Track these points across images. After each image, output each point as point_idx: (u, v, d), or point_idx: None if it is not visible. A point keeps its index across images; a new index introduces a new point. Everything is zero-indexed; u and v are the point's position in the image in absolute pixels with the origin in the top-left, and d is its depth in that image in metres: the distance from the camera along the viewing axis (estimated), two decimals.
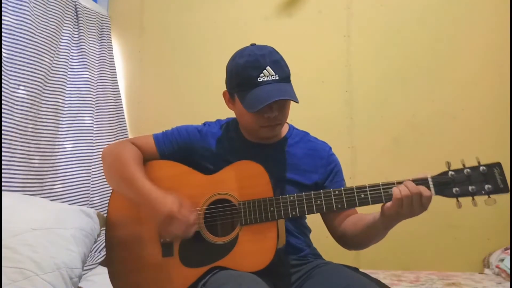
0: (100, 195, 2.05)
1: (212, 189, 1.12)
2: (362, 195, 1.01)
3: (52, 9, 1.91)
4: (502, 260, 1.84)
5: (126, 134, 2.39)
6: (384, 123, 2.16)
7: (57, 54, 1.92)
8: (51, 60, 1.85)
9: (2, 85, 1.55)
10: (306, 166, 1.19)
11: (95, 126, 2.10)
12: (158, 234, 1.12)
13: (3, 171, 1.53)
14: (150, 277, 1.10)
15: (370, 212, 1.06)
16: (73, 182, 1.90)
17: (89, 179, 1.99)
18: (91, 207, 1.83)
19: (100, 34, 2.33)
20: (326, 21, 2.27)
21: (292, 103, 1.10)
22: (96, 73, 2.21)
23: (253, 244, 1.04)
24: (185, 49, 2.44)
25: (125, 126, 2.39)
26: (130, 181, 1.09)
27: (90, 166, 2.01)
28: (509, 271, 1.74)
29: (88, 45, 2.17)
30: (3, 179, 1.52)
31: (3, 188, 1.50)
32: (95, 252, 1.87)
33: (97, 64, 2.24)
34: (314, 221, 1.29)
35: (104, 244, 1.46)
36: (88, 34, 2.20)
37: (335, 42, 2.24)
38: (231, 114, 1.23)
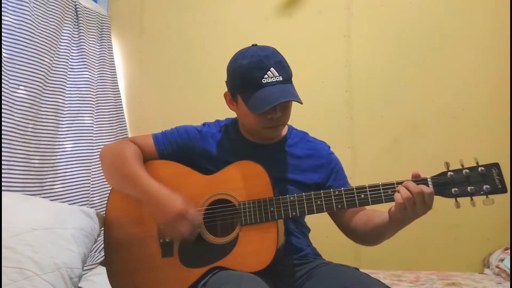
0: (100, 195, 2.05)
1: (212, 189, 1.12)
2: (362, 196, 1.01)
3: (52, 9, 1.91)
4: (502, 260, 1.84)
5: (126, 134, 2.39)
6: (384, 123, 2.16)
7: (57, 54, 1.92)
8: (51, 60, 1.85)
9: (2, 85, 1.55)
10: (306, 166, 1.19)
11: (95, 126, 2.10)
12: (160, 232, 1.12)
13: (3, 171, 1.53)
14: (150, 278, 1.10)
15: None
16: (73, 182, 1.90)
17: (89, 179, 1.99)
18: (91, 207, 1.83)
19: (100, 34, 2.33)
20: (326, 21, 2.27)
21: (293, 103, 1.10)
22: (96, 73, 2.21)
23: (253, 244, 1.04)
24: (185, 49, 2.44)
25: (125, 126, 2.39)
26: (134, 179, 1.08)
27: (90, 166, 2.01)
28: (509, 271, 1.74)
29: (88, 45, 2.18)
30: (3, 179, 1.52)
31: (3, 188, 1.50)
32: (95, 252, 1.87)
33: (97, 64, 2.24)
34: (314, 221, 1.29)
35: None
36: (88, 34, 2.20)
37: (335, 42, 2.24)
38: (231, 114, 1.23)
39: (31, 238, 1.11)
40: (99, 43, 2.30)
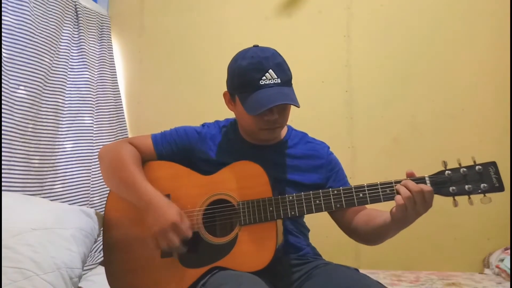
0: (100, 195, 2.05)
1: (211, 189, 1.12)
2: (361, 195, 1.01)
3: (52, 9, 1.91)
4: (502, 260, 1.84)
5: (126, 134, 2.39)
6: (384, 123, 2.16)
7: (57, 54, 1.92)
8: (51, 60, 1.86)
9: (2, 85, 1.55)
10: (306, 167, 1.19)
11: (95, 126, 2.10)
12: (154, 239, 1.11)
13: (3, 171, 1.53)
14: (149, 278, 1.10)
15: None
16: (73, 182, 1.90)
17: (89, 179, 1.99)
18: (91, 207, 1.84)
19: (100, 34, 2.33)
20: (326, 21, 2.27)
21: (292, 105, 1.10)
22: (96, 73, 2.21)
23: (252, 244, 1.04)
24: (185, 49, 2.44)
25: (125, 126, 2.39)
26: (131, 184, 1.08)
27: (90, 166, 2.01)
28: (509, 271, 1.74)
29: (88, 45, 2.18)
30: (3, 179, 1.52)
31: (3, 188, 1.50)
32: (95, 252, 1.87)
33: (97, 64, 2.24)
34: (314, 221, 1.29)
35: None
36: (88, 34, 2.20)
37: (335, 42, 2.24)
38: (231, 114, 1.23)
39: (31, 238, 1.11)
40: (99, 43, 2.30)
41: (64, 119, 1.93)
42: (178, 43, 2.45)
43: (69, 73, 2.00)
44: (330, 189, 1.04)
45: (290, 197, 1.05)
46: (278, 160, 1.19)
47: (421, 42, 2.14)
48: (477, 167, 0.95)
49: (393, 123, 2.15)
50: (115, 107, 2.32)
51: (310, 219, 1.24)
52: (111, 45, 2.42)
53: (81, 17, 2.14)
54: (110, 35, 2.42)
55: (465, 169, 0.96)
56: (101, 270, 1.63)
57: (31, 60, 1.72)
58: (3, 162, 1.53)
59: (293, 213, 1.04)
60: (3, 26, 1.60)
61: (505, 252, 1.87)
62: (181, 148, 1.21)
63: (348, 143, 2.18)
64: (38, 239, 1.12)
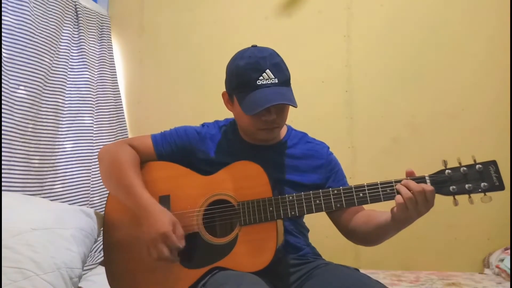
0: (100, 195, 2.05)
1: (210, 189, 1.12)
2: (361, 194, 1.01)
3: (52, 9, 1.91)
4: (502, 260, 1.84)
5: (126, 134, 2.39)
6: (384, 123, 2.16)
7: (57, 54, 1.92)
8: (51, 60, 1.86)
9: (2, 85, 1.55)
10: (305, 167, 1.19)
11: (95, 126, 2.10)
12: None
13: (3, 171, 1.53)
14: (149, 278, 1.10)
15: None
16: (73, 182, 1.90)
17: (89, 179, 1.99)
18: (91, 207, 1.84)
19: (100, 34, 2.33)
20: (326, 21, 2.27)
21: (291, 106, 1.09)
22: (96, 73, 2.21)
23: (252, 244, 1.04)
24: (185, 49, 2.44)
25: (125, 126, 2.39)
26: (128, 189, 1.08)
27: (90, 166, 2.01)
28: (509, 271, 1.74)
29: (88, 45, 2.18)
30: (3, 179, 1.52)
31: (3, 188, 1.50)
32: (95, 252, 1.87)
33: (97, 64, 2.24)
34: (313, 221, 1.29)
35: None
36: (88, 34, 2.20)
37: (335, 42, 2.24)
38: (230, 114, 1.23)
39: (31, 238, 1.11)
40: (99, 43, 2.30)
41: (64, 119, 1.93)
42: (178, 43, 2.45)
43: (69, 73, 2.00)
44: (330, 189, 1.04)
45: (290, 197, 1.05)
46: (278, 160, 1.19)
47: (421, 42, 2.14)
48: (477, 166, 0.95)
49: (393, 123, 2.15)
50: (115, 107, 2.32)
51: (310, 219, 1.24)
52: (111, 45, 2.42)
53: (81, 17, 2.14)
54: (110, 35, 2.42)
55: (465, 168, 0.95)
56: (101, 270, 1.63)
57: (31, 60, 1.71)
58: (3, 162, 1.53)
59: (293, 213, 1.04)
60: (3, 26, 1.60)
61: (505, 252, 1.87)
62: (181, 148, 1.20)
63: (348, 143, 2.18)
64: (38, 239, 1.12)
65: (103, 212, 1.24)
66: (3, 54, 1.59)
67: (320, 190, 1.04)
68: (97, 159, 1.94)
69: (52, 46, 1.87)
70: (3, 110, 1.55)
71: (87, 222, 1.27)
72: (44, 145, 1.77)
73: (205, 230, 1.09)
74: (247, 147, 1.20)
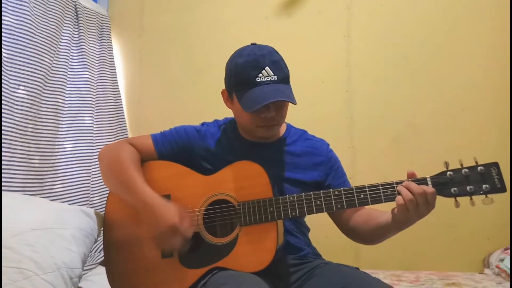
0: (100, 195, 2.05)
1: (211, 189, 1.12)
2: (362, 195, 1.01)
3: (52, 9, 1.91)
4: (502, 260, 1.84)
5: (126, 134, 2.39)
6: (384, 123, 2.16)
7: (57, 54, 1.92)
8: (51, 60, 1.85)
9: (2, 85, 1.55)
10: (305, 164, 1.19)
11: (95, 126, 2.10)
12: (154, 242, 1.11)
13: (3, 171, 1.53)
14: (149, 278, 1.10)
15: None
16: (73, 182, 1.90)
17: (89, 179, 1.99)
18: (91, 207, 1.84)
19: (100, 34, 2.33)
20: (326, 21, 2.27)
21: (291, 103, 1.10)
22: (96, 73, 2.21)
23: (252, 244, 1.04)
24: (185, 49, 2.44)
25: (125, 126, 2.39)
26: (130, 186, 1.08)
27: (90, 166, 2.01)
28: (509, 271, 1.74)
29: (88, 45, 2.18)
30: (3, 179, 1.52)
31: (3, 188, 1.50)
32: (95, 252, 1.87)
33: (97, 64, 2.24)
34: (314, 221, 1.29)
35: None
36: (88, 34, 2.20)
37: (335, 42, 2.24)
38: (230, 113, 1.23)
39: (31, 238, 1.11)
40: (99, 43, 2.30)
41: (64, 119, 1.93)
42: (178, 43, 2.45)
43: (69, 73, 2.00)
44: (331, 189, 1.04)
45: (291, 198, 1.05)
46: (278, 157, 1.19)
47: (421, 42, 2.14)
48: (479, 168, 0.95)
49: (393, 123, 2.15)
50: (115, 107, 2.32)
51: (310, 219, 1.24)
52: (111, 45, 2.42)
53: (81, 17, 2.14)
54: (110, 35, 2.42)
55: (467, 170, 0.95)
56: (101, 270, 1.63)
57: (31, 60, 1.71)
58: (3, 162, 1.53)
59: (293, 213, 1.04)
60: (3, 26, 1.60)
61: (505, 252, 1.87)
62: (181, 147, 1.20)
63: (348, 143, 2.18)
64: (38, 239, 1.12)
65: (103, 212, 1.24)
66: (3, 54, 1.59)
67: (321, 191, 1.04)
68: (97, 159, 1.95)
69: (52, 46, 1.86)
70: (3, 110, 1.55)
71: (87, 222, 1.27)
72: (44, 145, 1.77)
73: (205, 230, 1.09)
74: (247, 145, 1.20)
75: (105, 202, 1.23)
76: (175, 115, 2.39)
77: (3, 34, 1.60)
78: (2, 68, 1.57)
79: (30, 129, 1.69)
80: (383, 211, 1.07)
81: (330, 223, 1.23)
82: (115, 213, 1.19)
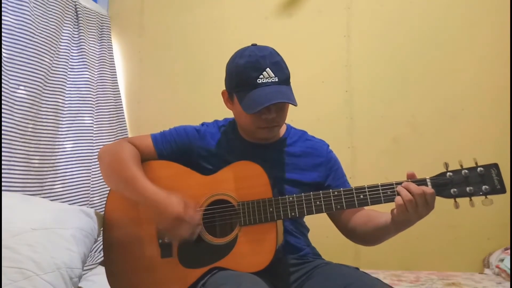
0: (100, 195, 2.05)
1: (210, 189, 1.12)
2: (361, 196, 1.01)
3: (52, 9, 1.91)
4: (502, 260, 1.84)
5: (126, 134, 2.39)
6: (384, 123, 2.15)
7: (57, 54, 1.92)
8: (51, 60, 1.86)
9: (2, 85, 1.55)
10: (305, 165, 1.19)
11: (95, 126, 2.10)
12: (160, 234, 1.11)
13: (3, 171, 1.53)
14: (149, 278, 1.10)
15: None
16: (73, 182, 1.90)
17: (89, 179, 1.99)
18: (91, 207, 1.83)
19: (100, 34, 2.33)
20: (326, 21, 2.27)
21: (291, 105, 1.09)
22: (96, 73, 2.21)
23: (252, 244, 1.04)
24: (185, 49, 2.44)
25: (125, 126, 2.39)
26: (131, 181, 1.07)
27: (90, 166, 2.01)
28: (509, 271, 1.74)
29: (88, 45, 2.18)
30: (3, 179, 1.52)
31: (3, 188, 1.50)
32: (95, 252, 1.87)
33: (97, 64, 2.24)
34: (313, 221, 1.29)
35: None
36: (88, 34, 2.20)
37: (335, 42, 2.24)
38: (230, 114, 1.23)
39: (31, 238, 1.11)
40: (99, 43, 2.30)
41: (64, 119, 1.93)
42: (178, 43, 2.45)
43: (69, 73, 2.00)
44: (331, 190, 1.04)
45: (290, 198, 1.05)
46: (277, 158, 1.19)
47: (421, 42, 2.14)
48: (478, 169, 0.95)
49: (393, 123, 2.15)
50: (115, 107, 2.32)
51: (310, 219, 1.24)
52: (111, 45, 2.42)
53: (81, 17, 2.14)
54: (110, 35, 2.42)
55: (466, 171, 0.95)
56: (101, 270, 1.63)
57: (31, 60, 1.71)
58: (3, 162, 1.53)
59: (293, 214, 1.04)
60: (3, 26, 1.60)
61: (505, 252, 1.87)
62: (181, 147, 1.20)
63: (348, 143, 2.18)
64: (38, 239, 1.12)
65: (103, 212, 1.24)
66: (3, 54, 1.59)
67: (321, 192, 1.04)
68: (97, 159, 1.95)
69: (52, 46, 1.87)
70: (3, 110, 1.55)
71: (87, 222, 1.27)
72: (44, 145, 1.77)
73: (205, 230, 1.09)
74: (247, 146, 1.20)
75: (105, 202, 1.24)
76: (175, 115, 2.39)
77: (3, 34, 1.60)
78: (2, 68, 1.57)
79: (30, 129, 1.69)
80: (382, 212, 1.07)
81: (330, 223, 1.23)
82: (115, 213, 1.19)
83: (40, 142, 1.75)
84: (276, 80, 1.06)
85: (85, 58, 2.11)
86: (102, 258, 1.83)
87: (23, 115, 1.65)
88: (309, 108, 2.15)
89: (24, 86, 1.67)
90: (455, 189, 0.95)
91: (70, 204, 1.79)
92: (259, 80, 1.05)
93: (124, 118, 2.39)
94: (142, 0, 2.52)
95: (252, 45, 1.14)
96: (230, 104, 1.18)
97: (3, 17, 1.60)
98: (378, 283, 0.95)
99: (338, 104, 2.21)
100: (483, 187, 0.94)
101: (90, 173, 2.00)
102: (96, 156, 2.03)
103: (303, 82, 1.89)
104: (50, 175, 1.79)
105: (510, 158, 1.93)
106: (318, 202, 1.04)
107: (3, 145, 1.54)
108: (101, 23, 2.36)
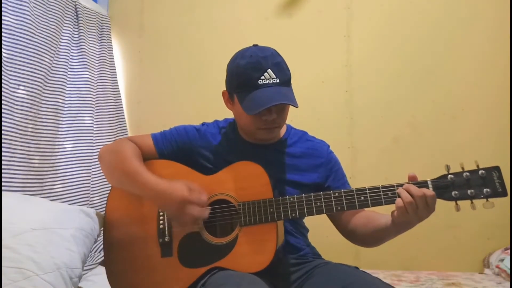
0: (100, 195, 2.05)
1: (211, 189, 1.11)
2: (362, 198, 1.01)
3: (52, 9, 1.91)
4: (502, 260, 1.84)
5: (126, 134, 2.39)
6: (384, 123, 2.15)
7: (57, 54, 1.92)
8: (51, 60, 1.86)
9: (2, 85, 1.55)
10: (305, 166, 1.19)
11: (95, 126, 2.10)
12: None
13: (3, 171, 1.53)
14: (149, 278, 1.10)
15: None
16: (73, 182, 1.90)
17: (89, 179, 1.99)
18: (91, 207, 1.83)
19: (100, 34, 2.33)
20: (326, 21, 2.27)
21: (291, 106, 1.09)
22: (96, 73, 2.21)
23: (252, 245, 1.04)
24: (185, 49, 2.44)
25: (125, 126, 2.39)
26: (134, 176, 1.06)
27: (90, 166, 2.01)
28: (509, 271, 1.74)
29: (88, 45, 2.18)
30: (3, 179, 1.52)
31: (3, 188, 1.50)
32: (95, 252, 1.87)
33: (97, 64, 2.24)
34: (314, 221, 1.29)
35: None
36: (88, 34, 2.20)
37: (335, 42, 2.24)
38: (231, 114, 1.23)
39: (31, 238, 1.11)
40: (99, 43, 2.30)
41: (64, 119, 1.93)
42: (178, 43, 2.45)
43: (69, 73, 2.00)
44: (331, 191, 1.04)
45: (291, 199, 1.05)
46: (278, 159, 1.19)
47: (421, 42, 2.14)
48: (480, 172, 0.94)
49: (393, 123, 2.15)
50: (115, 107, 2.32)
51: (309, 219, 1.23)
52: (111, 45, 2.42)
53: (81, 17, 2.14)
54: (110, 35, 2.42)
55: (468, 174, 0.95)
56: (101, 270, 1.63)
57: (31, 60, 1.71)
58: (3, 162, 1.53)
59: (293, 214, 1.04)
60: (3, 26, 1.60)
61: (505, 252, 1.87)
62: (182, 147, 1.20)
63: (348, 143, 2.18)
64: (38, 239, 1.12)
65: (103, 212, 1.24)
66: (3, 54, 1.59)
67: (321, 193, 1.04)
68: (97, 159, 1.95)
69: (52, 46, 1.86)
70: (3, 110, 1.55)
71: (87, 222, 1.27)
72: (44, 145, 1.77)
73: (205, 230, 1.09)
74: (247, 146, 1.20)
75: (105, 202, 1.24)
76: (175, 115, 2.39)
77: (3, 34, 1.60)
78: (2, 68, 1.57)
79: (30, 129, 1.69)
80: (382, 213, 1.07)
81: (330, 223, 1.23)
82: (115, 213, 1.19)
83: (40, 142, 1.75)
84: (278, 81, 1.06)
85: (85, 58, 2.11)
86: (102, 258, 1.83)
87: (23, 115, 1.65)
88: (309, 108, 2.15)
89: (24, 86, 1.67)
90: (456, 192, 0.95)
91: (70, 204, 1.79)
92: (260, 81, 1.05)
93: (124, 118, 2.39)
94: (142, 0, 2.52)
95: (254, 45, 1.14)
96: (230, 105, 1.18)
97: (3, 17, 1.60)
98: (378, 282, 0.95)
99: (338, 104, 2.21)
100: (485, 190, 0.93)
101: (90, 173, 2.00)
102: (96, 156, 2.03)
103: (303, 82, 1.89)
104: (50, 175, 1.79)
105: (510, 158, 1.93)
106: (318, 203, 1.04)
107: (3, 145, 1.54)
108: (101, 23, 2.36)
